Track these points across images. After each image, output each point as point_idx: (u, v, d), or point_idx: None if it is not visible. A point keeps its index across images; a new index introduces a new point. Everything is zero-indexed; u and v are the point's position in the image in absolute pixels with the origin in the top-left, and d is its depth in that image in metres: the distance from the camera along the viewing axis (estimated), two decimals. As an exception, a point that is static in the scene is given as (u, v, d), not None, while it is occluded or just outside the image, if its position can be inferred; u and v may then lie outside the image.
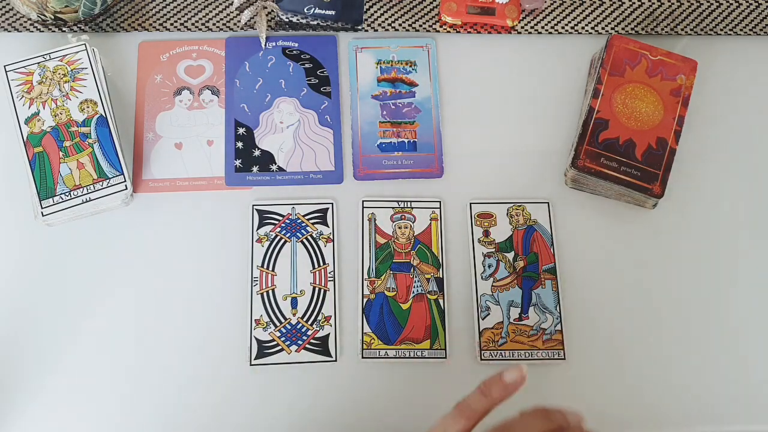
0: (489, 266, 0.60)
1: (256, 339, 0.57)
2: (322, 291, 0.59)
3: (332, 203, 0.61)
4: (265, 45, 0.66)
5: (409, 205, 0.62)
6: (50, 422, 0.55)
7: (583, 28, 0.68)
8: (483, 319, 0.59)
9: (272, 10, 0.66)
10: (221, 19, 0.66)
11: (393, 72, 0.66)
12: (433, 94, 0.65)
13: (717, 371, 0.59)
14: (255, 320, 0.58)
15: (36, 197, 0.57)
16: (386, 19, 0.67)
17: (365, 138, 0.64)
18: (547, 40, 0.68)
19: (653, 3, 0.69)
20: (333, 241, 0.60)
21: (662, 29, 0.68)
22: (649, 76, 0.62)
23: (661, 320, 0.60)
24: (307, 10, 0.65)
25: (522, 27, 0.67)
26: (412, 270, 0.60)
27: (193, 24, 0.66)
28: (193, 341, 0.57)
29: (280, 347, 0.57)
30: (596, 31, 0.68)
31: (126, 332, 0.57)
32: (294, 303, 0.59)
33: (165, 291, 0.59)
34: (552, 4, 0.68)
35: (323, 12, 0.65)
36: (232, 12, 0.67)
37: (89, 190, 0.58)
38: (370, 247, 0.60)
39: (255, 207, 0.61)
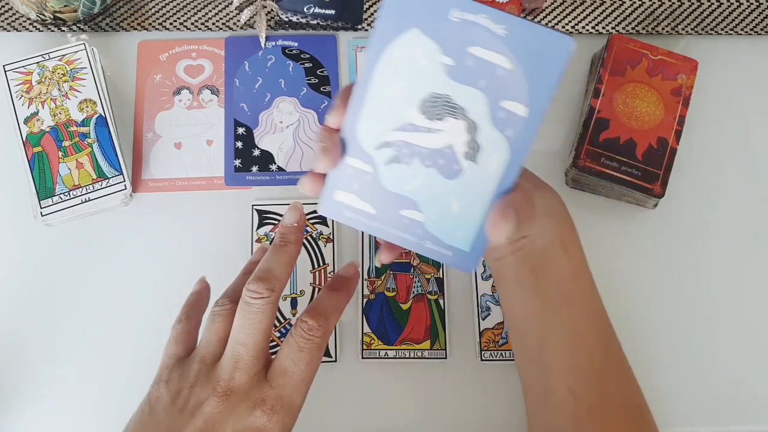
0: (489, 266, 0.60)
1: (256, 339, 0.57)
2: (321, 291, 0.59)
3: (332, 203, 0.61)
4: (265, 44, 0.65)
5: (409, 205, 0.62)
6: (50, 422, 0.55)
7: (583, 27, 0.68)
8: (483, 319, 0.59)
9: (272, 10, 0.66)
10: (221, 19, 0.66)
11: (393, 71, 0.65)
12: (433, 94, 0.65)
13: (717, 371, 0.59)
14: (255, 320, 0.58)
15: (35, 197, 0.57)
16: (386, 18, 0.67)
17: (365, 138, 0.63)
18: (548, 40, 0.67)
19: (654, 2, 0.69)
20: (333, 241, 0.60)
21: (663, 29, 0.68)
22: (649, 75, 0.62)
23: (661, 320, 0.60)
24: (306, 9, 0.65)
25: (522, 26, 0.67)
26: (412, 270, 0.60)
27: (192, 23, 0.66)
28: (193, 341, 0.57)
29: (279, 348, 0.57)
30: (597, 30, 0.68)
31: (125, 332, 0.57)
32: (294, 303, 0.58)
33: (165, 291, 0.59)
34: (552, 3, 0.68)
35: (323, 11, 0.65)
36: (232, 11, 0.66)
37: (88, 190, 0.58)
38: (370, 247, 0.60)
39: (255, 207, 0.61)
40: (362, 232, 0.60)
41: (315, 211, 0.61)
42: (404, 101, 0.39)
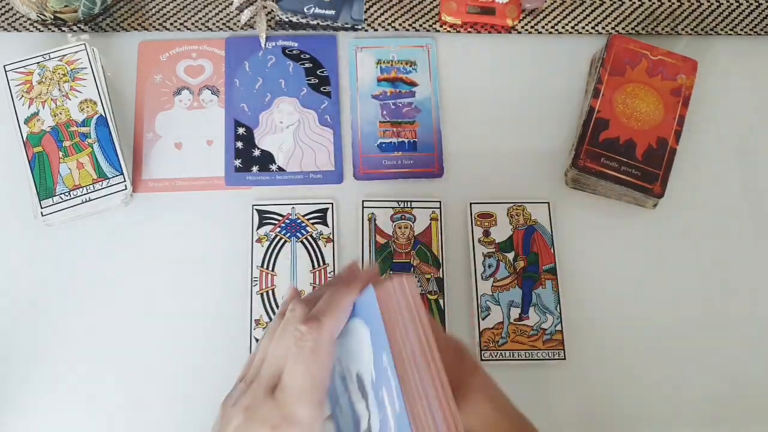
0: (489, 266, 0.60)
1: (256, 339, 0.57)
2: (322, 291, 0.59)
3: (332, 203, 0.61)
4: (265, 45, 0.66)
5: (409, 205, 0.62)
6: (52, 421, 0.55)
7: (583, 27, 0.68)
8: (483, 319, 0.59)
9: (272, 10, 0.66)
10: (221, 19, 0.66)
11: (393, 72, 0.66)
12: (433, 94, 0.65)
13: (717, 371, 0.59)
14: (255, 320, 0.58)
15: (35, 197, 0.57)
16: (386, 18, 0.67)
17: (365, 138, 0.64)
18: (547, 40, 0.67)
19: (653, 3, 0.69)
20: (333, 241, 0.60)
21: (662, 29, 0.68)
22: (649, 75, 0.62)
23: (661, 320, 0.60)
24: (307, 9, 0.65)
25: (522, 27, 0.67)
26: (412, 270, 0.60)
27: (192, 24, 0.66)
28: (193, 341, 0.57)
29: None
30: (596, 30, 0.68)
31: (126, 332, 0.57)
32: (294, 303, 0.58)
33: (165, 291, 0.59)
34: (552, 3, 0.68)
35: (323, 12, 0.65)
36: (232, 12, 0.66)
37: (89, 190, 0.58)
38: (370, 247, 0.60)
39: (255, 207, 0.61)
40: (362, 233, 0.61)
41: (315, 211, 0.61)
42: (349, 365, 0.42)
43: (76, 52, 0.61)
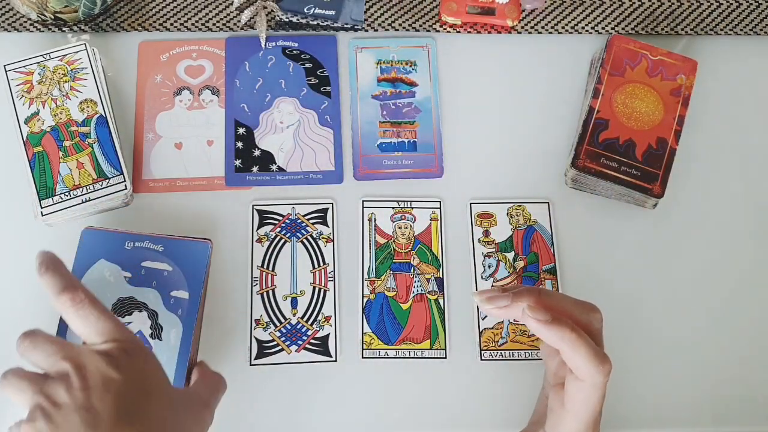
0: (489, 266, 0.60)
1: (256, 339, 0.57)
2: (322, 291, 0.59)
3: (332, 203, 0.61)
4: (265, 45, 0.66)
5: (409, 205, 0.62)
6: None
7: (583, 28, 0.68)
8: (483, 319, 0.59)
9: (272, 10, 0.66)
10: (221, 19, 0.66)
11: (393, 72, 0.66)
12: (433, 94, 0.65)
13: (717, 371, 0.59)
14: (255, 320, 0.58)
15: (35, 197, 0.57)
16: (386, 19, 0.67)
17: (365, 138, 0.64)
18: (547, 40, 0.68)
19: (653, 3, 0.69)
20: (333, 241, 0.60)
21: (662, 29, 0.68)
22: (649, 75, 0.62)
23: (661, 320, 0.60)
24: (307, 10, 0.65)
25: (522, 27, 0.67)
26: (412, 270, 0.60)
27: (193, 24, 0.66)
28: (193, 341, 0.57)
29: (280, 347, 0.57)
30: (596, 31, 0.68)
31: (126, 332, 0.57)
32: (294, 303, 0.59)
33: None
34: (552, 4, 0.68)
35: (323, 12, 0.65)
36: (232, 12, 0.67)
37: (89, 190, 0.58)
38: (370, 247, 0.60)
39: (255, 207, 0.61)
40: (362, 233, 0.61)
41: (315, 211, 0.61)
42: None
43: (77, 52, 0.61)
